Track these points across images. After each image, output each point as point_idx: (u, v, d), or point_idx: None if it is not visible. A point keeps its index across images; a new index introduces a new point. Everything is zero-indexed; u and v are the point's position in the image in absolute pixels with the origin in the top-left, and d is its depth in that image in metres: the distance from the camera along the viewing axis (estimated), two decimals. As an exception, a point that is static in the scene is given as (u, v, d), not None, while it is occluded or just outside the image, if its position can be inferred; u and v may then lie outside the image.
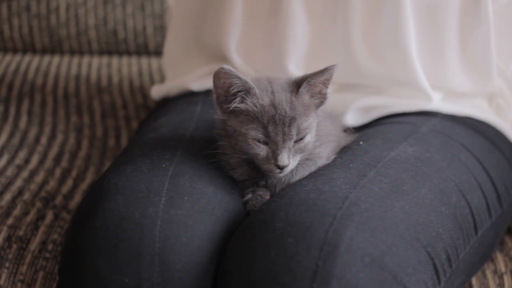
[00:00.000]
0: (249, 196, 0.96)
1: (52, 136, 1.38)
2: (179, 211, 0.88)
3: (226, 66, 0.89)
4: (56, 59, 1.74)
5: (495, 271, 1.16)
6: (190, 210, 0.89)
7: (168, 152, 0.97)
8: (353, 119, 1.17)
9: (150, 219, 0.86)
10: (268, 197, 0.96)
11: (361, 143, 1.01)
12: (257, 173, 0.96)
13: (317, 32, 1.17)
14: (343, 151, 1.00)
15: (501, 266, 1.17)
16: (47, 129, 1.41)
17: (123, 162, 0.96)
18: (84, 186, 1.25)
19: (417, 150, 1.01)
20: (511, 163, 1.17)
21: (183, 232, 0.87)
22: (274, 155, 0.91)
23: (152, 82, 1.65)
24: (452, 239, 0.94)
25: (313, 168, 0.96)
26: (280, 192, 0.92)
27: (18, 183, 1.22)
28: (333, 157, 0.99)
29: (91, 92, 1.58)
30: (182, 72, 1.30)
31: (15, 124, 1.41)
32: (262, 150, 0.91)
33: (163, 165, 0.94)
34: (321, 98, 0.94)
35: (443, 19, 1.14)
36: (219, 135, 0.97)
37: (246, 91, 0.91)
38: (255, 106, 0.91)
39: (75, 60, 1.74)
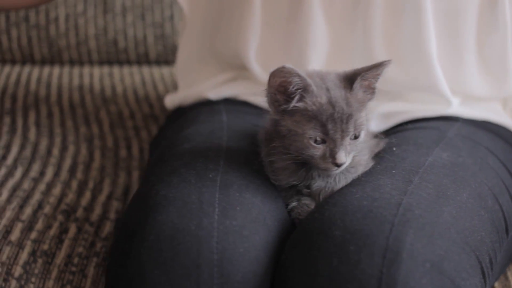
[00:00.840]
0: (294, 204, 0.95)
1: (64, 148, 1.36)
2: (233, 221, 0.86)
3: (288, 65, 0.87)
4: (56, 70, 1.71)
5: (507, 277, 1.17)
6: (244, 221, 0.88)
7: (211, 163, 0.95)
8: (374, 125, 1.17)
9: (206, 230, 0.85)
10: (313, 206, 0.95)
11: (394, 149, 1.01)
12: (302, 178, 0.95)
13: (337, 38, 1.17)
14: (379, 158, 1.00)
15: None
16: (57, 140, 1.38)
17: (166, 173, 0.94)
18: (102, 198, 1.23)
19: (450, 155, 1.01)
20: (530, 165, 1.18)
21: (239, 243, 0.85)
22: (332, 153, 0.89)
23: (157, 92, 1.64)
24: (492, 242, 0.94)
25: (354, 176, 0.96)
26: (330, 200, 0.91)
27: (37, 196, 1.19)
28: (371, 164, 0.98)
29: (97, 103, 1.56)
30: (197, 81, 1.29)
31: (25, 136, 1.38)
32: (318, 150, 0.90)
33: (210, 175, 0.92)
34: (371, 93, 0.94)
35: (462, 23, 1.15)
36: (270, 137, 0.95)
37: (304, 89, 0.90)
38: (314, 104, 0.89)
39: (76, 70, 1.72)
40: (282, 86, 0.90)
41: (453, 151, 1.03)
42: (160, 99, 1.60)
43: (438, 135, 1.08)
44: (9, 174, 1.25)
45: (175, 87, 1.65)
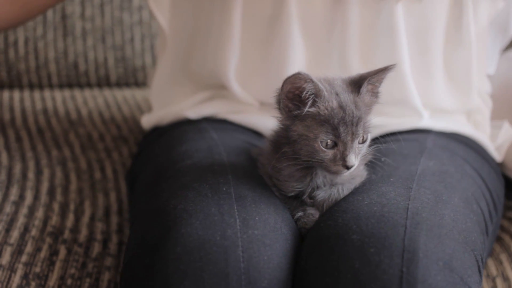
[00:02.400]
0: (300, 214, 0.98)
1: (38, 171, 1.35)
2: (255, 231, 0.90)
3: (303, 71, 0.90)
4: (16, 94, 1.69)
5: (487, 275, 1.24)
6: (264, 230, 0.91)
7: (220, 177, 0.98)
8: None
9: (231, 240, 0.88)
10: (317, 216, 0.98)
11: (383, 159, 1.06)
12: (307, 184, 0.98)
13: (314, 57, 1.21)
14: (371, 168, 1.05)
15: (493, 270, 1.25)
16: (31, 164, 1.37)
17: (179, 188, 0.96)
18: (86, 219, 1.23)
19: (436, 164, 1.07)
20: (497, 172, 1.25)
21: (263, 251, 0.89)
22: (342, 156, 0.93)
23: (122, 113, 1.64)
24: (481, 242, 1.01)
25: (353, 186, 1.00)
26: (338, 208, 0.95)
27: (21, 219, 1.18)
28: (365, 174, 1.03)
29: (64, 126, 1.55)
30: (174, 100, 1.31)
31: (-3, 161, 1.37)
32: (328, 153, 0.93)
33: (224, 189, 0.95)
34: (376, 96, 0.98)
35: (431, 41, 1.21)
36: (278, 144, 0.98)
37: (317, 94, 0.93)
38: (326, 109, 0.93)
39: (37, 94, 1.70)
40: (296, 92, 0.93)
41: (437, 160, 1.09)
42: (127, 120, 1.61)
43: (419, 146, 1.14)
44: (-13, 199, 1.23)
45: (139, 108, 1.66)
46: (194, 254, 0.86)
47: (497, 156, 1.30)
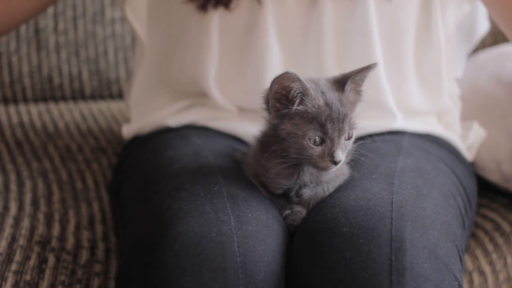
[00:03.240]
0: (288, 212, 1.02)
1: (20, 183, 1.35)
2: (249, 227, 0.93)
3: (291, 71, 0.94)
4: (-10, 108, 1.70)
5: (464, 270, 1.29)
6: (257, 226, 0.95)
7: (210, 177, 1.01)
8: None
9: (227, 236, 0.91)
10: (305, 213, 1.02)
11: (362, 159, 1.10)
12: (294, 182, 1.01)
13: (291, 62, 1.25)
14: (352, 167, 1.09)
15: (469, 265, 1.30)
16: (12, 176, 1.37)
17: (172, 189, 0.99)
18: (71, 228, 1.24)
19: (413, 162, 1.12)
20: (469, 171, 1.30)
21: (258, 246, 0.92)
22: (330, 152, 0.96)
23: (99, 125, 1.65)
24: (460, 234, 1.05)
25: (337, 184, 1.04)
26: (326, 204, 0.99)
27: (7, 229, 1.19)
28: (348, 172, 1.07)
29: (42, 138, 1.56)
30: (154, 109, 1.32)
31: (-23, 174, 1.37)
32: (317, 150, 0.96)
33: (215, 188, 0.97)
34: (359, 94, 1.02)
35: (402, 44, 1.26)
36: (267, 143, 1.01)
37: (304, 93, 0.96)
38: (313, 107, 0.96)
39: (11, 108, 1.70)
40: (284, 92, 0.97)
41: (414, 159, 1.13)
42: (104, 132, 1.62)
43: (396, 146, 1.18)
44: (-29, 210, 1.23)
45: (116, 120, 1.68)
46: (192, 250, 0.89)
47: (468, 156, 1.35)
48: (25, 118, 1.65)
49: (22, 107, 1.71)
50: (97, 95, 1.80)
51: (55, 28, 1.73)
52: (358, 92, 1.02)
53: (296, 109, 0.96)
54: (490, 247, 1.32)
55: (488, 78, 1.50)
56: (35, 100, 1.76)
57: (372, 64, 1.00)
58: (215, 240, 0.90)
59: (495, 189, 1.45)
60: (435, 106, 1.32)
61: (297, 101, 0.96)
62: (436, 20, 1.24)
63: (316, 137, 0.96)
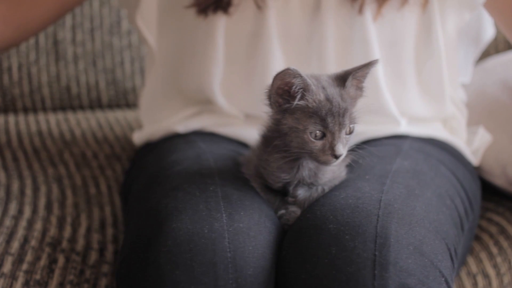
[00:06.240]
0: (282, 211, 1.06)
1: (36, 188, 1.40)
2: (240, 224, 0.97)
3: (292, 67, 0.97)
4: (11, 118, 1.75)
5: (468, 273, 1.30)
6: (249, 223, 0.98)
7: (207, 179, 1.05)
8: None
9: (218, 233, 0.95)
10: (299, 213, 1.05)
11: (360, 161, 1.12)
12: (293, 176, 1.04)
13: None
14: (349, 169, 1.11)
15: (473, 268, 1.31)
16: (28, 182, 1.42)
17: (170, 189, 1.03)
18: (82, 230, 1.28)
19: (410, 163, 1.14)
20: (472, 174, 1.32)
21: (248, 242, 0.96)
22: (331, 146, 0.98)
23: (114, 133, 1.70)
24: (454, 235, 1.08)
25: (333, 185, 1.07)
26: (317, 203, 1.03)
27: (21, 231, 1.23)
28: (344, 173, 1.09)
29: (59, 146, 1.61)
30: (164, 116, 1.37)
31: (-5, 180, 1.42)
32: (318, 144, 0.99)
33: (211, 188, 1.01)
34: (361, 90, 1.04)
35: (402, 52, 1.28)
36: (269, 138, 1.04)
37: (305, 88, 0.99)
38: (314, 101, 0.99)
39: (31, 117, 1.76)
40: (286, 88, 1.00)
41: (412, 161, 1.16)
42: (119, 140, 1.67)
43: (395, 149, 1.21)
44: (-12, 214, 1.28)
45: (131, 128, 1.72)
46: (184, 246, 0.93)
47: (474, 160, 1.36)
48: (44, 127, 1.70)
49: (41, 116, 1.77)
50: (113, 104, 1.85)
51: (73, 40, 1.79)
52: (360, 88, 1.05)
53: (297, 104, 0.99)
54: (494, 250, 1.33)
55: (495, 84, 1.51)
56: (54, 110, 1.81)
57: (373, 60, 1.03)
58: (206, 236, 0.94)
59: (501, 193, 1.46)
60: (438, 113, 1.34)
61: (298, 96, 0.99)
62: (436, 28, 1.26)
63: (317, 131, 0.98)
